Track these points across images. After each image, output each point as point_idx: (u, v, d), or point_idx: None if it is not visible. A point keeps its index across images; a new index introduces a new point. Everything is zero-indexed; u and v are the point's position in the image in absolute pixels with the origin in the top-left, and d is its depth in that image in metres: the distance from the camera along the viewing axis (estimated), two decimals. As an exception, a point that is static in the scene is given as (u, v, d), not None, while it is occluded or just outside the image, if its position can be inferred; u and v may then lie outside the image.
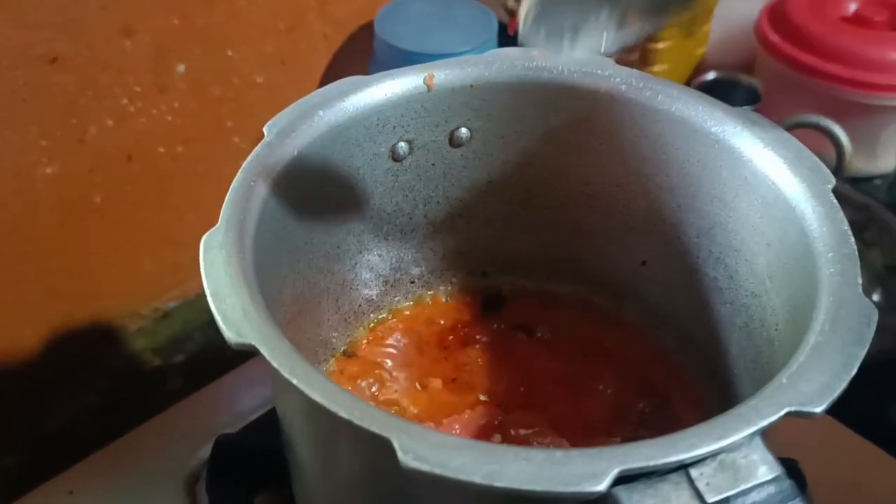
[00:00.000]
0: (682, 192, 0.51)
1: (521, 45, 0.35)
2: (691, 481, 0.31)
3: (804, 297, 0.40)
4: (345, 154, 0.49)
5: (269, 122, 0.46)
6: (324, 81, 0.77)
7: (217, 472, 0.54)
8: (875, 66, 0.82)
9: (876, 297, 0.76)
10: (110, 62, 0.62)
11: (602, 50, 0.35)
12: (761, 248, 0.46)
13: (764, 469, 0.32)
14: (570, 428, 0.52)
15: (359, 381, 0.54)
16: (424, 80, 0.50)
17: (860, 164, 0.93)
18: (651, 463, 0.30)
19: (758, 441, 0.32)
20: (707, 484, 0.31)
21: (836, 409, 0.33)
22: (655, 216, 0.53)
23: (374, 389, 0.53)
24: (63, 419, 0.72)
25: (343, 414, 0.32)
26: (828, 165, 0.83)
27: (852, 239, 0.39)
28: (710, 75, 0.97)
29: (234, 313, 0.35)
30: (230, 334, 0.34)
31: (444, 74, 0.50)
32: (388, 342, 0.57)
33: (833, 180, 0.43)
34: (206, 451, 0.56)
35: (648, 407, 0.53)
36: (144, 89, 0.66)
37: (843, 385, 0.33)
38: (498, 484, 0.29)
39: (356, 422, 0.31)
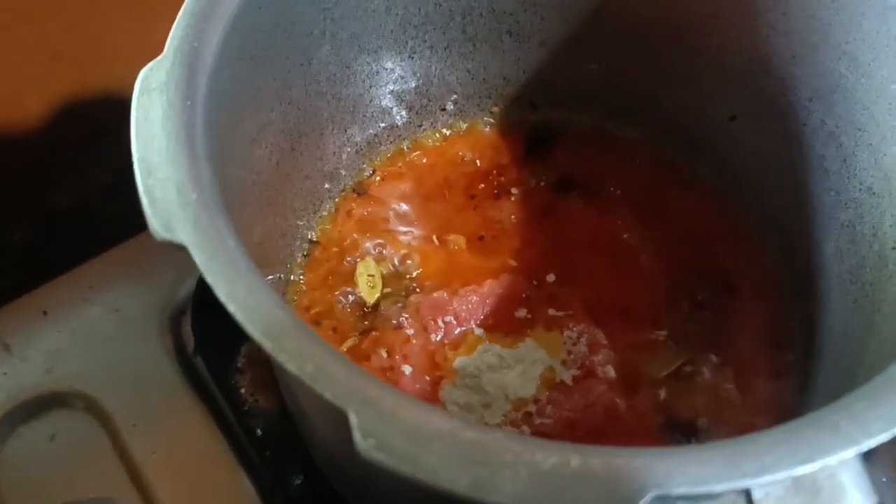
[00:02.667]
0: (800, 38, 0.38)
1: None
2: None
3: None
4: (357, -51, 0.37)
5: None
6: None
7: (203, 311, 0.47)
8: None
9: None
10: None
11: None
12: (894, 135, 0.34)
13: (854, 496, 0.23)
14: (610, 314, 0.43)
15: (365, 231, 0.46)
16: None
17: None
18: (701, 490, 0.22)
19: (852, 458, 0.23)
20: (773, 509, 0.23)
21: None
22: (760, 64, 0.41)
23: (381, 242, 0.45)
24: (74, 196, 0.67)
25: (291, 366, 0.23)
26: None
27: None
28: None
29: (166, 194, 0.26)
30: (156, 225, 0.26)
31: None
32: (406, 181, 0.48)
33: None
34: (193, 283, 0.49)
35: (708, 295, 0.44)
36: None
37: None
38: (485, 498, 0.21)
39: (307, 380, 0.23)
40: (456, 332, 0.42)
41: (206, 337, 0.47)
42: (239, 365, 0.46)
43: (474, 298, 0.43)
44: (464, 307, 0.43)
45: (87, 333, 0.48)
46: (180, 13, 0.31)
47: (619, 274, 0.45)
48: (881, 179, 0.36)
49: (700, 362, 0.42)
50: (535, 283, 0.44)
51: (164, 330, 0.49)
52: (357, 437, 0.22)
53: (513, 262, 0.45)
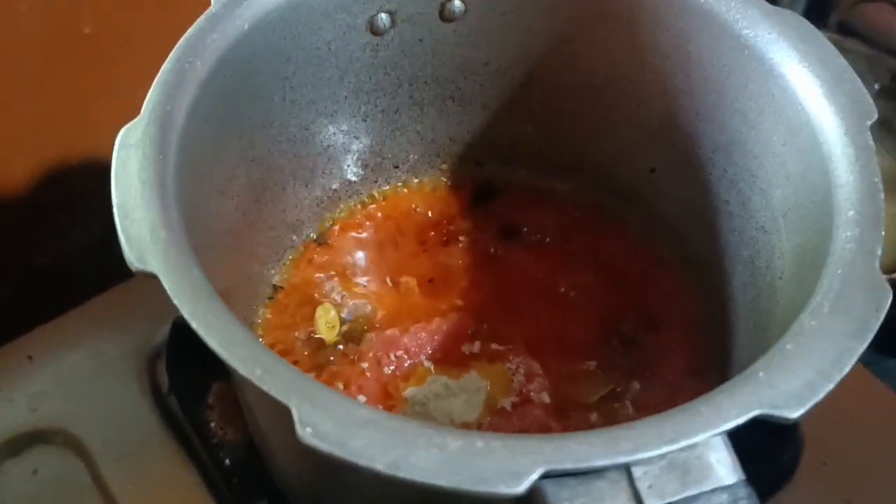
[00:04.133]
0: (701, 98, 0.44)
1: None
2: (632, 481, 0.27)
3: (813, 254, 0.34)
4: (311, 26, 0.42)
5: (218, -13, 0.39)
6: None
7: (176, 354, 0.51)
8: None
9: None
10: None
11: None
12: (779, 179, 0.40)
13: (721, 472, 0.27)
14: (547, 347, 0.48)
15: (325, 273, 0.50)
16: (411, -59, 0.42)
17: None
18: (583, 465, 0.26)
19: (717, 439, 0.28)
20: (650, 486, 0.27)
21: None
22: (670, 121, 0.46)
23: (339, 286, 0.49)
24: (56, 255, 0.71)
25: (242, 370, 0.28)
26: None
27: (881, 196, 0.33)
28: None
29: (140, 232, 0.31)
30: (131, 257, 0.30)
31: (435, -64, 0.42)
32: (363, 231, 0.53)
33: (875, 115, 0.36)
34: (167, 329, 0.53)
35: (636, 331, 0.49)
36: None
37: (830, 387, 0.28)
38: (402, 474, 0.26)
39: (255, 381, 0.27)
40: (406, 364, 0.47)
41: (179, 378, 0.51)
42: (209, 402, 0.50)
43: (423, 335, 0.48)
44: (414, 343, 0.47)
45: (69, 376, 0.52)
46: (156, 80, 0.36)
47: (555, 311, 0.49)
48: (771, 219, 0.41)
49: (626, 389, 0.46)
50: (480, 320, 0.49)
51: (140, 372, 0.53)
52: (297, 427, 0.26)
53: (459, 302, 0.50)
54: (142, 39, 0.64)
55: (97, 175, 0.71)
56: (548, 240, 0.53)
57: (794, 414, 0.27)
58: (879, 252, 0.32)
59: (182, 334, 0.52)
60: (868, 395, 0.52)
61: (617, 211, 0.52)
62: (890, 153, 0.76)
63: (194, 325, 0.29)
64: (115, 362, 0.53)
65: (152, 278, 0.30)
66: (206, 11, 0.38)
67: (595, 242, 0.52)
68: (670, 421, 0.27)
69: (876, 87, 0.80)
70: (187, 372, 0.51)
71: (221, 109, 0.38)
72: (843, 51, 0.82)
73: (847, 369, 0.28)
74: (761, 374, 0.28)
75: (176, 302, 0.29)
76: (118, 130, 0.68)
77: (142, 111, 0.35)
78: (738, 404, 0.28)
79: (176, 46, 0.37)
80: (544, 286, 0.51)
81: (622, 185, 0.51)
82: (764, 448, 0.46)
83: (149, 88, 0.67)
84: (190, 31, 0.37)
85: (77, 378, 0.52)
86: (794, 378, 0.28)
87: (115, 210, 0.31)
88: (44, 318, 0.57)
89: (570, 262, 0.52)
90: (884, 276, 0.31)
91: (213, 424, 0.49)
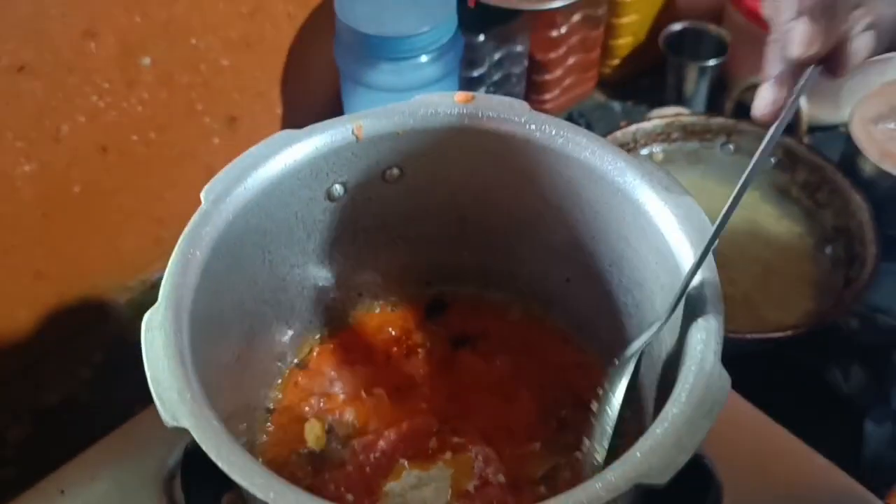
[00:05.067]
0: (594, 227, 0.55)
1: None
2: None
3: (680, 351, 0.45)
4: (281, 204, 0.53)
5: (206, 188, 0.50)
6: (289, 59, 0.81)
7: (189, 472, 0.60)
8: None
9: (829, 251, 0.82)
10: (76, 64, 0.66)
11: None
12: (657, 288, 0.51)
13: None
14: (498, 434, 0.58)
15: (309, 396, 0.60)
16: (353, 131, 0.54)
17: (824, 115, 0.97)
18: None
19: (610, 508, 0.38)
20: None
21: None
22: (574, 244, 0.57)
23: (322, 403, 0.60)
24: (62, 392, 0.79)
25: (260, 495, 0.38)
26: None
27: (722, 306, 0.44)
28: (678, 26, 1.00)
29: (171, 396, 0.41)
30: (167, 417, 0.40)
31: (371, 125, 0.54)
32: (337, 352, 0.63)
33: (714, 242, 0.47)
34: (181, 451, 0.62)
35: (568, 411, 0.59)
36: (113, 85, 0.69)
37: (688, 458, 0.39)
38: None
39: (270, 503, 0.37)
40: (384, 464, 0.57)
41: (194, 493, 0.60)
42: (222, 511, 0.59)
43: (395, 437, 0.58)
44: (388, 444, 0.57)
45: (98, 504, 0.61)
46: (167, 270, 0.46)
47: (503, 404, 0.60)
48: (657, 318, 0.52)
49: (567, 462, 0.57)
50: (441, 418, 0.59)
51: (159, 492, 0.62)
52: (304, 533, 0.36)
53: (423, 405, 0.60)
54: (122, 196, 0.75)
55: (93, 311, 0.81)
56: (491, 343, 0.64)
57: (663, 481, 0.38)
58: (720, 348, 0.43)
59: (193, 457, 0.61)
60: (781, 447, 0.63)
61: (545, 314, 0.64)
62: (788, 217, 0.88)
63: (220, 464, 0.39)
64: (137, 487, 0.62)
65: (183, 432, 0.40)
66: (199, 209, 0.49)
67: (529, 341, 0.63)
68: (574, 494, 0.38)
69: (772, 160, 0.91)
70: (200, 488, 0.60)
71: (217, 284, 0.49)
72: (739, 132, 0.95)
73: (698, 443, 0.39)
74: (638, 454, 0.39)
75: (204, 448, 0.39)
76: (106, 273, 0.77)
77: (159, 299, 0.45)
78: (622, 478, 0.38)
79: (179, 240, 0.47)
80: (492, 382, 0.61)
81: (546, 293, 0.63)
82: (684, 496, 0.57)
83: (131, 236, 0.77)
84: (189, 226, 0.48)
85: (105, 505, 0.61)
86: (661, 455, 0.39)
87: (150, 382, 0.41)
88: (64, 450, 0.65)
89: (511, 360, 0.62)
90: (723, 369, 0.42)
91: (227, 531, 0.58)
